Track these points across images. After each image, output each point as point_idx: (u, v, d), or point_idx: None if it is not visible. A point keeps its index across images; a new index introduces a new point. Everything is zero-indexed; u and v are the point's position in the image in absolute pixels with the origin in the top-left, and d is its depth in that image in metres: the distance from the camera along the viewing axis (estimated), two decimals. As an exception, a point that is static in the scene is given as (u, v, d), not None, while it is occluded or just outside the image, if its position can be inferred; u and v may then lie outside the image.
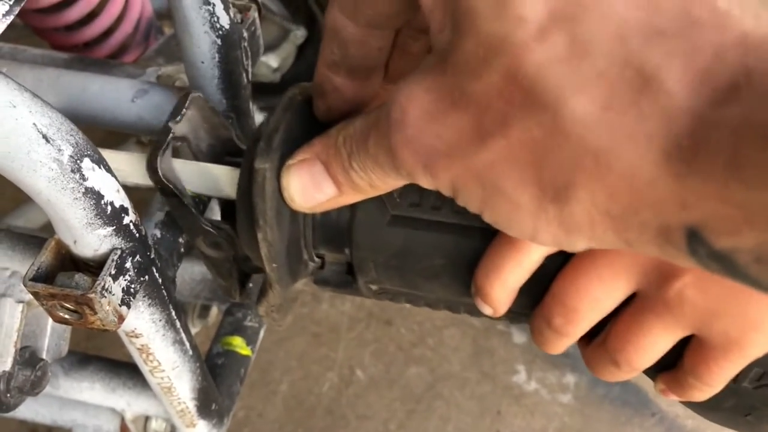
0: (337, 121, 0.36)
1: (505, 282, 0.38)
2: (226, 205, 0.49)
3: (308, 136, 0.37)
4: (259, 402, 1.31)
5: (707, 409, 0.42)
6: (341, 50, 0.35)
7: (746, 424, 0.42)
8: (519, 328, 1.40)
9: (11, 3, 0.34)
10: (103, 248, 0.41)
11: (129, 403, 0.69)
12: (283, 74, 1.34)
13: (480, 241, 0.39)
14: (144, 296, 0.46)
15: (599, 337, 0.39)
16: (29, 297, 0.49)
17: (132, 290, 0.43)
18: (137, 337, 0.49)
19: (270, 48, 1.20)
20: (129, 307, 0.43)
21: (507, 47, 0.25)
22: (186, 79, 0.72)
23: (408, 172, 0.31)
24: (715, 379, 0.38)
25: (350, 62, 0.35)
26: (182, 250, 0.53)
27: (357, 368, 1.35)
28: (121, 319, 0.43)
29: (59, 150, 0.37)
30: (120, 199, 0.41)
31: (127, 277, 0.43)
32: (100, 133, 0.64)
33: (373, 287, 0.45)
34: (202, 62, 0.54)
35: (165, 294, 0.48)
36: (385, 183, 0.34)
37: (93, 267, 0.43)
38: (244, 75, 0.56)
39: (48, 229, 0.43)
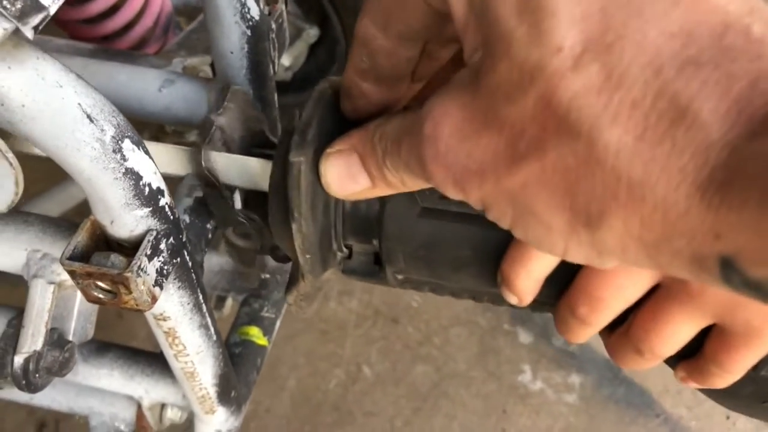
0: (364, 120, 0.37)
1: (531, 272, 0.39)
2: (254, 195, 0.50)
3: (340, 130, 0.38)
4: (267, 397, 1.31)
5: (725, 396, 0.43)
6: (370, 59, 0.35)
7: (763, 410, 0.43)
8: (525, 328, 1.41)
9: (62, -15, 0.35)
10: (139, 229, 0.42)
11: (147, 390, 0.70)
12: (295, 72, 1.35)
13: (507, 232, 0.40)
14: (175, 279, 0.47)
15: (622, 327, 0.40)
16: (60, 278, 0.50)
17: (165, 272, 0.44)
18: (165, 320, 0.50)
19: (284, 45, 1.21)
20: (161, 288, 0.44)
21: (542, 74, 0.25)
22: (209, 70, 0.73)
23: (437, 185, 0.32)
24: (735, 366, 0.38)
25: (378, 70, 0.36)
26: (210, 236, 0.54)
27: (364, 365, 1.36)
28: (154, 299, 0.44)
29: (102, 130, 0.38)
30: (157, 180, 0.42)
31: (161, 258, 0.43)
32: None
33: (399, 276, 0.46)
34: (232, 52, 0.55)
35: (194, 277, 0.49)
36: (416, 184, 0.34)
37: (127, 248, 0.44)
38: (271, 66, 0.57)
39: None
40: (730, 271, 0.24)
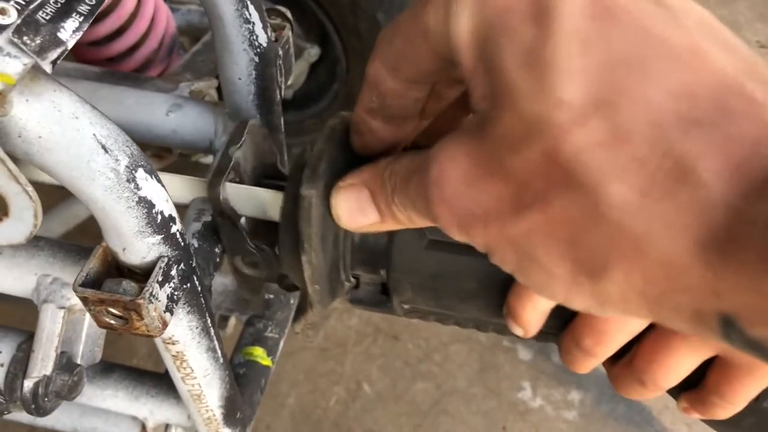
0: (374, 156, 0.38)
1: (537, 305, 0.40)
2: (263, 225, 0.50)
3: (350, 165, 0.39)
4: (267, 415, 1.31)
5: (727, 426, 0.44)
6: (379, 99, 0.36)
7: None
8: (525, 345, 1.41)
9: (81, 20, 0.36)
10: (151, 256, 0.43)
11: (152, 411, 0.70)
12: (295, 91, 1.36)
13: None
14: (184, 303, 0.48)
15: (625, 358, 0.41)
16: (70, 303, 0.50)
17: (175, 297, 0.45)
18: (174, 344, 0.51)
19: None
20: (172, 313, 0.45)
21: (547, 128, 0.26)
22: (215, 94, 0.74)
23: (442, 226, 0.32)
24: (737, 397, 0.39)
25: (387, 110, 0.36)
26: (218, 260, 0.54)
27: (364, 382, 1.36)
28: (165, 325, 0.44)
29: (116, 160, 0.38)
30: (169, 208, 0.42)
31: (172, 284, 0.44)
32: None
33: (406, 306, 0.46)
34: (239, 78, 0.55)
35: (203, 302, 0.49)
36: (423, 222, 0.35)
37: (138, 275, 0.44)
38: (278, 92, 0.58)
39: (66, 238, 0.44)
40: (730, 329, 0.24)
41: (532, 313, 0.40)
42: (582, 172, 0.25)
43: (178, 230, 0.44)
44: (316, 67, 1.36)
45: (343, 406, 1.33)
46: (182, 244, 0.44)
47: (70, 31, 0.35)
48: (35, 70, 0.35)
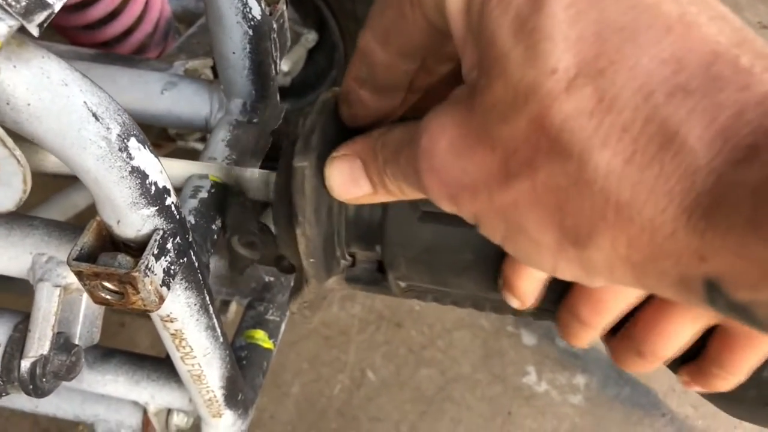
0: (362, 127, 0.38)
1: (532, 273, 0.39)
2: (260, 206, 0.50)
3: (342, 136, 0.38)
4: (271, 404, 1.31)
5: (729, 400, 0.43)
6: (369, 70, 0.36)
7: (767, 415, 0.42)
8: (529, 330, 1.40)
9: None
10: (146, 228, 0.42)
11: (153, 395, 0.69)
12: (294, 77, 1.35)
13: None
14: (181, 279, 0.47)
15: (624, 329, 0.40)
16: (65, 281, 0.50)
17: (172, 271, 0.44)
18: (172, 322, 0.50)
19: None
20: (169, 288, 0.44)
21: (536, 96, 0.26)
22: (210, 73, 0.73)
23: (432, 198, 0.32)
24: (738, 367, 0.38)
25: (376, 81, 0.36)
26: (215, 237, 0.54)
27: (368, 370, 1.36)
28: (162, 299, 0.43)
29: (108, 128, 0.38)
30: (163, 180, 0.42)
31: (168, 257, 0.43)
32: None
33: (402, 284, 0.46)
34: (233, 53, 0.54)
35: (200, 278, 0.49)
36: (414, 194, 0.35)
37: (133, 248, 0.43)
38: (273, 66, 0.57)
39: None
40: (715, 293, 0.24)
41: (528, 282, 0.39)
42: (568, 140, 0.26)
43: (173, 203, 0.43)
44: (314, 53, 1.35)
45: (348, 394, 1.33)
46: (177, 217, 0.44)
47: (56, -7, 0.34)
48: (22, 35, 0.34)
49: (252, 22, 0.53)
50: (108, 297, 0.43)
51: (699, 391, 0.41)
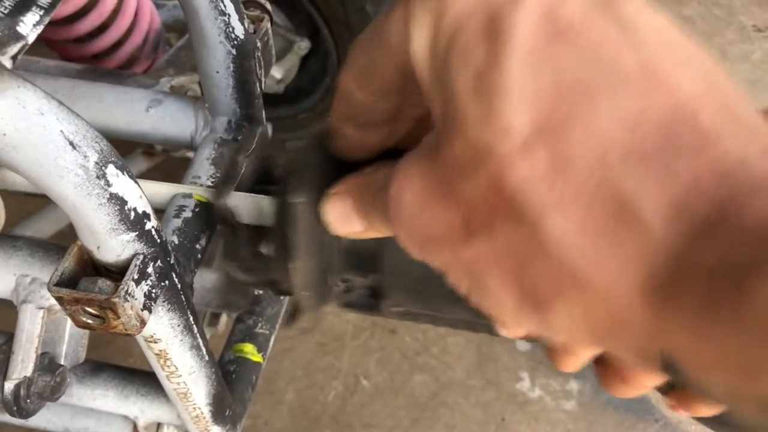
0: (357, 161, 0.38)
1: None
2: (260, 231, 0.50)
3: (336, 170, 0.39)
4: (265, 411, 1.31)
5: (718, 424, 0.43)
6: (349, 109, 0.36)
7: None
8: (523, 336, 1.40)
9: (41, 14, 0.35)
10: (126, 253, 0.42)
11: (142, 410, 0.70)
12: (287, 85, 1.35)
13: None
14: (164, 301, 0.47)
15: (609, 356, 0.40)
16: (49, 303, 0.50)
17: (153, 295, 0.44)
18: (156, 342, 0.50)
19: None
20: (150, 311, 0.44)
21: (492, 157, 0.25)
22: (197, 88, 0.73)
23: (402, 245, 0.32)
24: None
25: (358, 120, 0.36)
26: (199, 256, 0.54)
27: (362, 377, 1.36)
28: (143, 323, 0.44)
29: (85, 156, 0.38)
30: (143, 205, 0.42)
31: (148, 281, 0.43)
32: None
33: (396, 309, 0.46)
34: (217, 72, 0.55)
35: (183, 299, 0.49)
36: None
37: (114, 273, 0.43)
38: (258, 84, 0.57)
39: (56, 239, 0.44)
40: (670, 369, 0.23)
41: None
42: (524, 204, 0.25)
43: (153, 227, 0.43)
44: (307, 60, 1.35)
45: (342, 401, 1.33)
46: (158, 241, 0.44)
47: (30, 25, 0.34)
48: (-3, 66, 0.34)
49: (235, 42, 0.53)
50: (89, 321, 0.43)
51: (687, 415, 0.41)
